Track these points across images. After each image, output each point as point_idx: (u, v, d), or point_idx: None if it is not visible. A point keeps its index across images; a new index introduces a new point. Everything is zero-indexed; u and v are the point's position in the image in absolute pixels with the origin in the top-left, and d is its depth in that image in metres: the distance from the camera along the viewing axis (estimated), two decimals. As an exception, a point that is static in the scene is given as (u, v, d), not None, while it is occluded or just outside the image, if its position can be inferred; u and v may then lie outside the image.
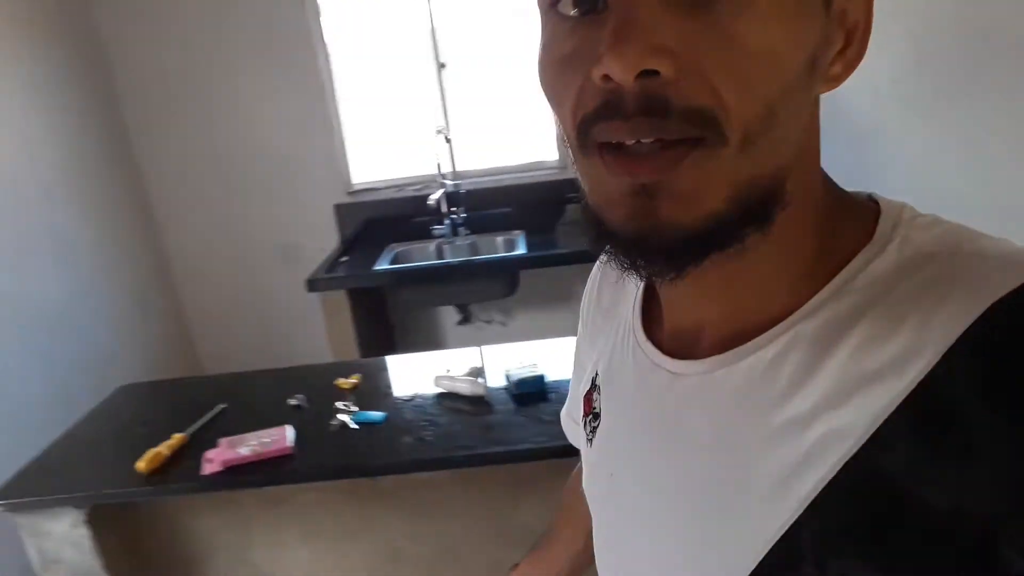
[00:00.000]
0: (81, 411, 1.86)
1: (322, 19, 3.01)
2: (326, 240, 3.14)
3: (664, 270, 0.41)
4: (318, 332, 2.85)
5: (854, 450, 0.38)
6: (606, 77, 0.37)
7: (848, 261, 0.43)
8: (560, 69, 0.41)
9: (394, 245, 3.01)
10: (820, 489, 0.39)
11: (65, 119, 2.74)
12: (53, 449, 1.69)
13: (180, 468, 1.53)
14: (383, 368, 1.92)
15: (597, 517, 0.61)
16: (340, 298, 2.71)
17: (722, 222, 0.39)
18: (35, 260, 2.50)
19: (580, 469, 0.74)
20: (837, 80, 0.42)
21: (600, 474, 0.59)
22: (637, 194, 0.39)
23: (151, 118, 3.10)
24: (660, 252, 0.40)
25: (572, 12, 0.40)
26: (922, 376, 0.37)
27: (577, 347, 0.71)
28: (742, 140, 0.38)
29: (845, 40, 0.41)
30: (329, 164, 3.15)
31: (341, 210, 3.19)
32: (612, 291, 0.62)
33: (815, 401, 0.41)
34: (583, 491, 0.67)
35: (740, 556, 0.43)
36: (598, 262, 0.67)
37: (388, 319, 3.24)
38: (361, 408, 1.64)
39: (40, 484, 1.58)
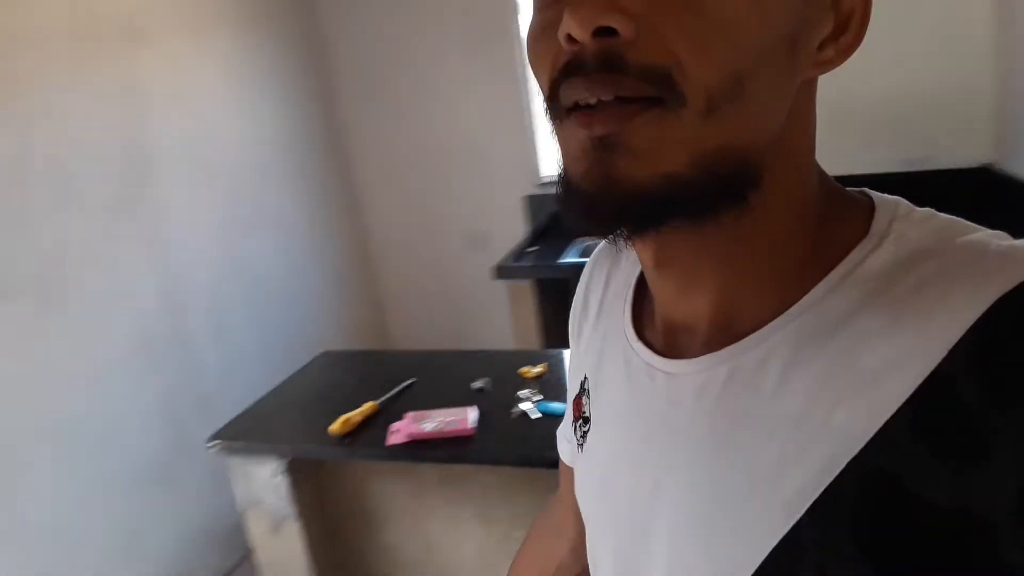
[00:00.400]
0: (286, 371, 2.02)
1: (519, 16, 3.05)
2: (515, 230, 3.20)
3: (615, 225, 0.41)
4: (502, 319, 2.91)
5: (856, 450, 0.37)
6: (569, 37, 0.38)
7: (843, 256, 0.42)
8: (537, 40, 0.42)
9: (582, 239, 2.99)
10: (821, 490, 0.38)
11: (287, 111, 3.00)
12: (262, 403, 1.86)
13: (368, 434, 1.61)
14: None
15: (589, 522, 0.59)
16: (526, 287, 2.74)
17: (684, 186, 0.39)
18: (258, 235, 2.78)
19: (555, 499, 0.74)
20: (830, 64, 0.42)
21: (591, 479, 0.57)
22: (596, 148, 0.39)
23: (361, 111, 3.32)
24: (615, 207, 0.40)
25: None
26: (926, 374, 0.36)
27: (570, 362, 0.68)
28: (705, 105, 0.37)
29: (838, 25, 0.41)
30: (520, 157, 3.19)
31: (531, 201, 3.23)
32: (599, 298, 0.61)
33: (814, 399, 0.40)
34: (556, 519, 0.71)
35: (739, 559, 0.42)
36: (585, 269, 0.66)
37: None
38: (544, 398, 1.64)
39: (249, 432, 1.74)
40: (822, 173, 0.46)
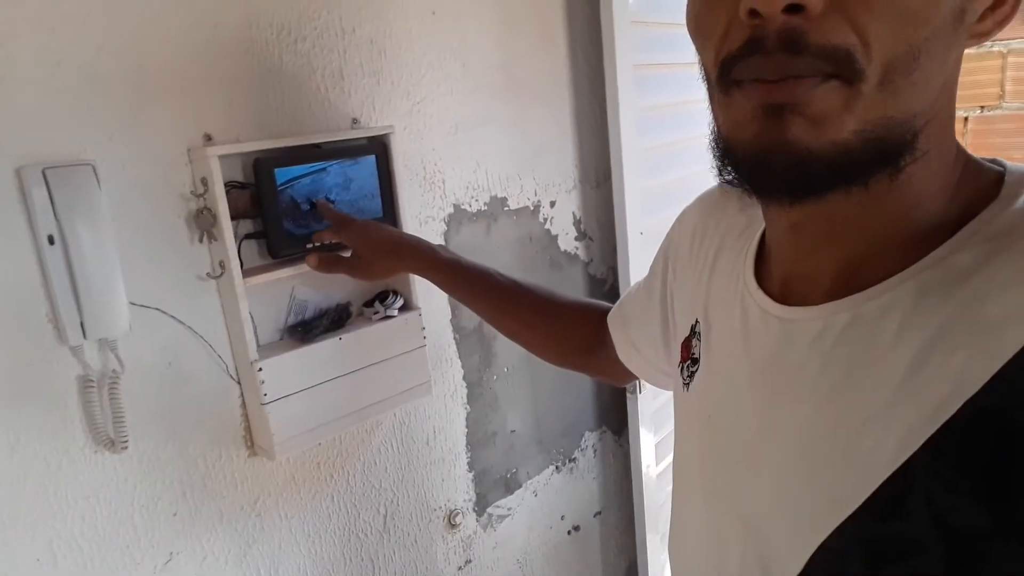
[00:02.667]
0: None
1: None
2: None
3: (784, 190, 0.43)
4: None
5: (972, 391, 0.38)
6: (753, 12, 0.38)
7: (972, 217, 0.43)
8: (709, 8, 0.42)
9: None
10: (936, 428, 0.39)
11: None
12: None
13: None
14: None
15: (688, 459, 0.62)
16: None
17: (850, 154, 0.40)
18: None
19: (602, 310, 0.86)
20: (986, 35, 0.42)
21: (697, 417, 0.60)
22: (767, 115, 0.40)
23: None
24: (783, 171, 0.41)
25: None
26: None
27: (652, 281, 0.74)
28: (882, 77, 0.39)
29: None
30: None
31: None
32: (713, 243, 0.63)
33: (933, 346, 0.41)
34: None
35: (848, 491, 0.43)
36: (689, 208, 0.70)
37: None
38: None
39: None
40: (957, 140, 0.47)
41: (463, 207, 1.24)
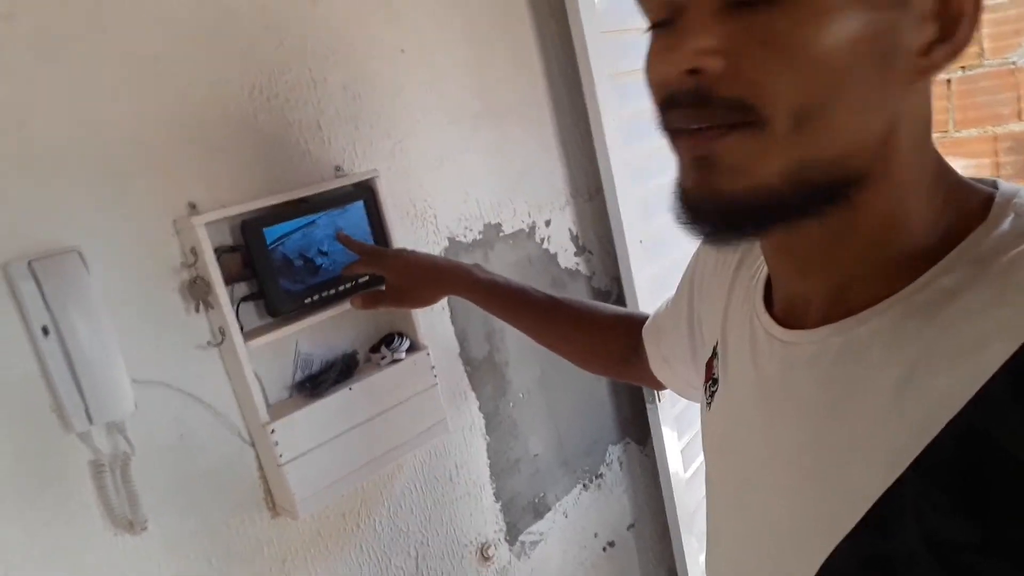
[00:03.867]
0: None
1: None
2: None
3: (720, 233, 0.46)
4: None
5: (955, 411, 0.39)
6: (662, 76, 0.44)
7: (960, 240, 0.44)
8: (647, 69, 0.47)
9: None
10: (922, 448, 0.41)
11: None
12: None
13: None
14: None
15: (710, 476, 0.65)
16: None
17: (776, 195, 0.43)
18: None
19: (636, 319, 0.88)
20: (938, 68, 0.43)
21: (715, 435, 0.63)
22: (696, 167, 0.45)
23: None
24: (713, 216, 0.45)
25: (649, 29, 0.47)
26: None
27: (680, 300, 0.77)
28: (790, 124, 0.41)
29: (946, 28, 0.41)
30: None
31: None
32: (733, 263, 0.65)
33: (917, 367, 0.42)
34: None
35: (845, 511, 0.45)
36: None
37: None
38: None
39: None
40: (941, 163, 0.47)
41: (458, 239, 1.24)
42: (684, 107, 0.43)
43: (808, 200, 0.43)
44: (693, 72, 0.42)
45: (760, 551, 0.55)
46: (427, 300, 1.00)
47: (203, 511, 0.93)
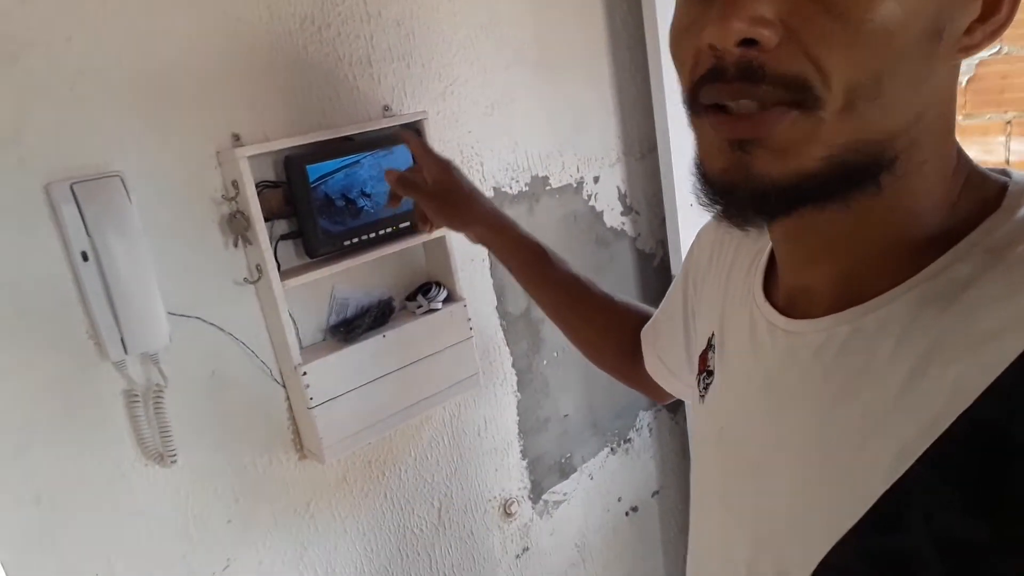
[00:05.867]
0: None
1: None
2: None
3: (752, 217, 0.44)
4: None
5: (967, 403, 0.38)
6: (712, 45, 0.40)
7: (973, 228, 0.43)
8: (680, 37, 0.44)
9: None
10: (932, 441, 0.39)
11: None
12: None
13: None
14: None
15: (700, 470, 0.63)
16: None
17: (814, 179, 0.40)
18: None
19: (649, 318, 0.82)
20: (977, 48, 0.41)
21: (710, 428, 0.60)
22: (733, 148, 0.41)
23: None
24: (748, 200, 0.42)
25: None
26: None
27: (675, 295, 0.74)
28: (844, 105, 0.39)
29: (988, 7, 0.40)
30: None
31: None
32: (728, 256, 0.64)
33: (929, 358, 0.41)
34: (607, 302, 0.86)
35: (849, 505, 0.43)
36: (708, 224, 0.71)
37: None
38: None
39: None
40: (960, 150, 0.46)
41: (503, 189, 1.20)
42: (731, 82, 0.40)
43: (843, 185, 0.42)
44: (746, 43, 0.38)
45: (756, 544, 0.53)
46: (456, 217, 0.90)
47: (232, 448, 0.93)
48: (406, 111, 1.04)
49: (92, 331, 0.80)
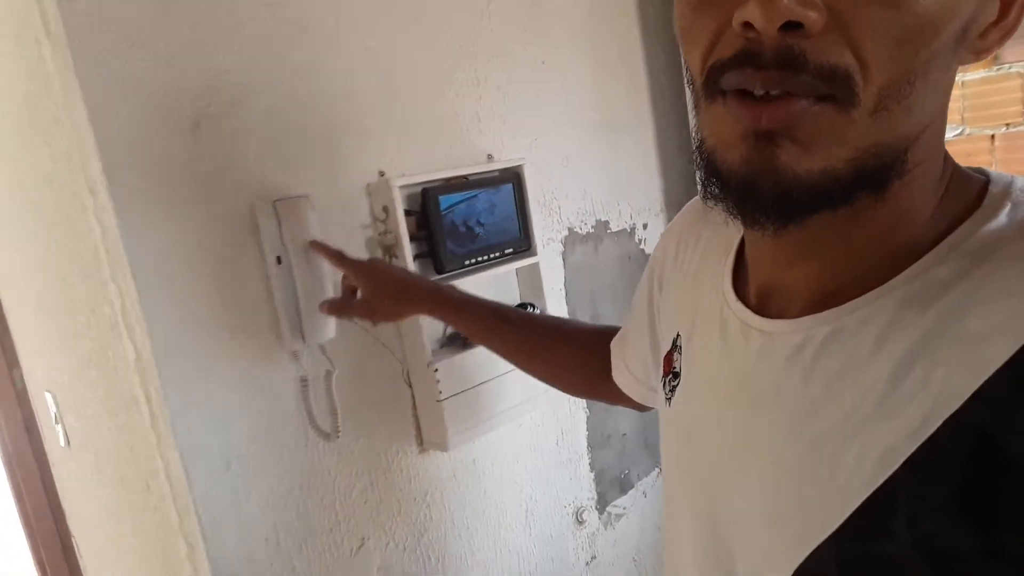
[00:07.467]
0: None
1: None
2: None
3: (769, 217, 0.41)
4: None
5: (953, 407, 0.37)
6: (747, 25, 0.36)
7: (954, 228, 0.42)
8: (695, 12, 0.41)
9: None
10: (917, 446, 0.38)
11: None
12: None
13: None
14: None
15: (669, 476, 0.61)
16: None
17: (838, 181, 0.39)
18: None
19: (618, 334, 0.80)
20: (987, 51, 0.41)
21: (677, 432, 0.59)
22: (757, 138, 0.39)
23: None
24: (769, 197, 0.39)
25: None
26: None
27: (640, 296, 0.73)
28: (876, 103, 0.37)
29: (1002, 9, 0.40)
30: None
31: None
32: (695, 255, 0.62)
33: (912, 359, 0.40)
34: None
35: (828, 511, 0.42)
36: (673, 223, 0.69)
37: None
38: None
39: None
40: (947, 152, 0.46)
41: (575, 230, 1.40)
42: (766, 68, 0.37)
43: (861, 185, 0.40)
44: (789, 27, 0.36)
45: (727, 555, 0.51)
46: (397, 314, 0.97)
47: (369, 436, 1.07)
48: (505, 158, 1.24)
49: (275, 324, 0.96)
